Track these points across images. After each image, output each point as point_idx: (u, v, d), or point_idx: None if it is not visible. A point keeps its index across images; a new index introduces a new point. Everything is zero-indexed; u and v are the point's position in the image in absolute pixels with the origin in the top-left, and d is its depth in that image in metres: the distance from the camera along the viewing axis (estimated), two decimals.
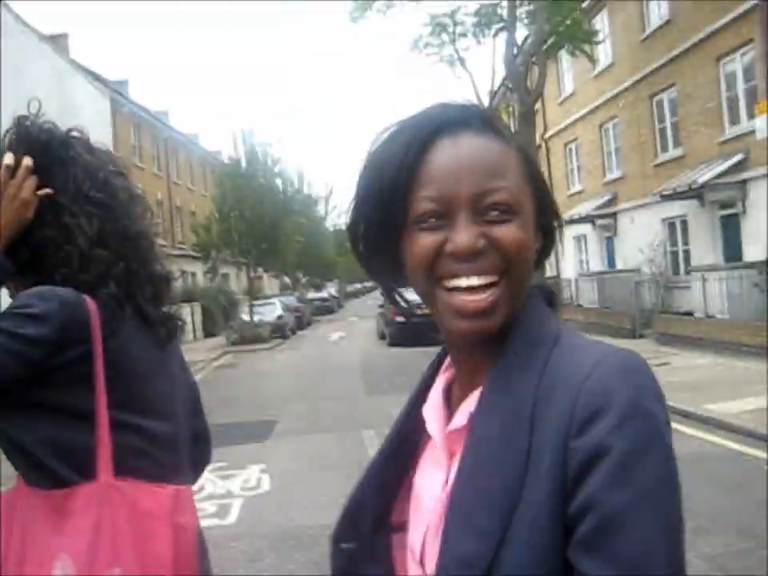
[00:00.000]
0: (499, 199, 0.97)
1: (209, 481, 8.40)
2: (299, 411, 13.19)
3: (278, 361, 23.38)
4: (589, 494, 0.87)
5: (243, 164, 31.01)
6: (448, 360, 1.15)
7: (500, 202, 0.97)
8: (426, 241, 0.99)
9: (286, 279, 53.27)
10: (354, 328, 35.98)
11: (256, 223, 29.80)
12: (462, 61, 21.07)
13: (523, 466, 0.91)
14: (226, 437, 11.18)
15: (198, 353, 26.98)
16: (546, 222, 1.07)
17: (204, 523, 1.22)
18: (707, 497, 6.29)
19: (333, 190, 39.24)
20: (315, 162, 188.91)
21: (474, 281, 0.97)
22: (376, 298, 38.74)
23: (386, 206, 1.02)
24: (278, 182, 33.19)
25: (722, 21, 17.47)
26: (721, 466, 7.59)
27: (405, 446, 1.16)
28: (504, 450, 0.93)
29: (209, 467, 7.44)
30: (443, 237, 0.98)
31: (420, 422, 1.12)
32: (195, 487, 6.33)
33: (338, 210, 43.73)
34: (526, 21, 20.70)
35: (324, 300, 53.06)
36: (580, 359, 0.94)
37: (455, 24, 20.52)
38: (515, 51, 19.81)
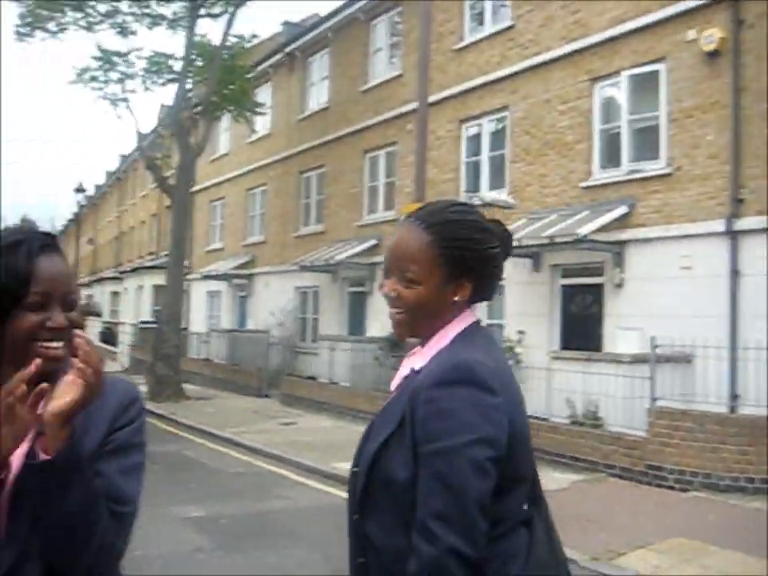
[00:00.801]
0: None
1: None
2: None
3: None
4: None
5: None
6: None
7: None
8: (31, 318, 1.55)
9: None
10: None
11: None
12: (126, 101, 20.88)
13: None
14: None
15: None
16: None
17: None
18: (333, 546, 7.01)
19: None
20: None
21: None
22: None
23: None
24: None
25: (371, 120, 19.47)
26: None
27: None
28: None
29: None
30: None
31: None
32: None
33: None
34: (196, 78, 21.16)
35: None
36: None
37: (127, 63, 20.38)
38: (182, 105, 20.15)
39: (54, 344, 1.55)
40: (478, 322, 1.87)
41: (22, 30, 19.35)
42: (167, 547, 7.09)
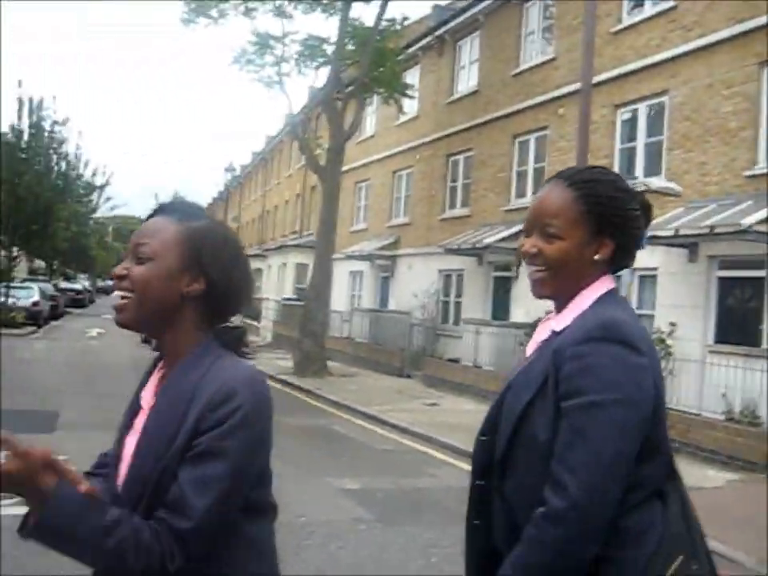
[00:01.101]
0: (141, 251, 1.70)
1: None
2: (80, 405, 12.86)
3: (38, 350, 22.27)
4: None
5: (26, 137, 29.28)
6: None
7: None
8: None
9: (35, 264, 50.37)
10: (113, 326, 34.64)
11: (29, 202, 28.20)
12: (280, 84, 21.51)
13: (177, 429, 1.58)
14: (7, 424, 10.75)
15: None
16: None
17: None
18: None
19: (110, 180, 37.59)
20: (97, 147, 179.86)
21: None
22: None
23: None
24: (62, 164, 31.61)
25: (522, 104, 19.32)
26: None
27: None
28: (169, 417, 1.61)
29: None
30: None
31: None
32: None
33: (111, 202, 42.07)
34: (348, 61, 21.54)
35: (77, 292, 50.61)
36: (222, 374, 1.62)
37: (283, 45, 20.99)
38: (334, 87, 20.57)
39: (116, 293, 1.71)
40: (616, 289, 1.87)
41: (187, 16, 20.25)
42: (329, 516, 7.39)
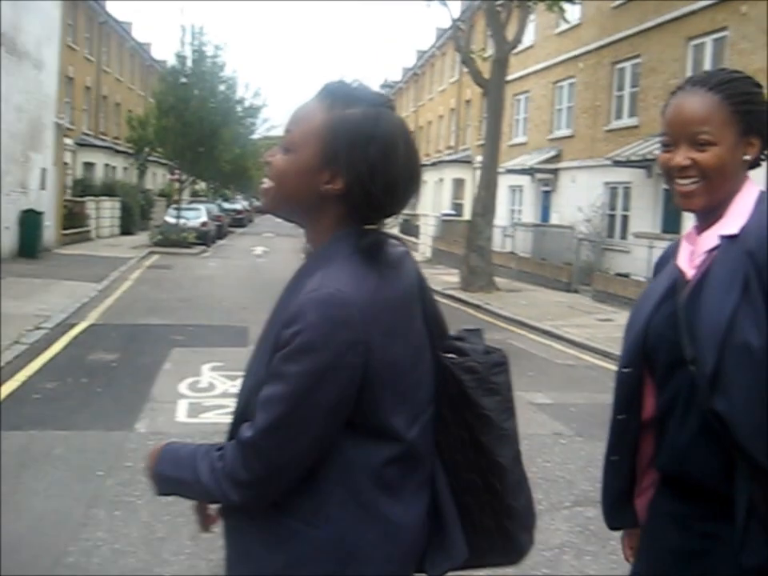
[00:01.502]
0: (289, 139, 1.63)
1: (215, 380, 8.71)
2: (264, 320, 13.49)
3: (212, 267, 23.40)
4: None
5: (189, 63, 30.19)
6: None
7: None
8: None
9: (196, 186, 52.38)
10: (274, 244, 35.98)
11: (195, 126, 29.24)
12: None
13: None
14: (206, 338, 11.46)
15: (121, 249, 26.68)
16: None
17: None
18: None
19: (266, 102, 38.54)
20: (255, 68, 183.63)
21: None
22: None
23: None
24: (222, 87, 32.48)
25: (697, 5, 18.23)
26: None
27: None
28: (269, 330, 1.64)
29: (208, 365, 8.25)
30: None
31: None
32: (205, 384, 7.19)
33: (268, 123, 42.96)
34: None
35: (237, 212, 52.51)
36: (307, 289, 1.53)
37: None
38: None
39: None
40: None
41: None
42: (527, 430, 7.57)
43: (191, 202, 39.60)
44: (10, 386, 8.09)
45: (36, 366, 9.08)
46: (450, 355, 1.73)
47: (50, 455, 5.97)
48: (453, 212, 32.67)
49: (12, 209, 20.25)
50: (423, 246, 33.32)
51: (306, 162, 1.57)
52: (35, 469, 5.70)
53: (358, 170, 1.54)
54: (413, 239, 35.43)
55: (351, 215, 1.60)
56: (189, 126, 28.91)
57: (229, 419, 1.67)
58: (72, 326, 11.84)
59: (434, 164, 37.31)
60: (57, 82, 24.27)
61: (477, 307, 17.06)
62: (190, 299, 15.62)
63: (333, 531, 1.56)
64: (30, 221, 20.89)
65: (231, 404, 7.15)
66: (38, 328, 11.20)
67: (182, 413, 7.39)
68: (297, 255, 14.82)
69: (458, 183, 35.61)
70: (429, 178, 37.98)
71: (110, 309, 13.93)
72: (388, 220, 1.66)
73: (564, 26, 24.79)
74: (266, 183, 1.65)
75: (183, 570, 4.24)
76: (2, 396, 7.64)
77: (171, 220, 30.96)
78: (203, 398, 7.90)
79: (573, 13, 24.23)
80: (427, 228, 33.02)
